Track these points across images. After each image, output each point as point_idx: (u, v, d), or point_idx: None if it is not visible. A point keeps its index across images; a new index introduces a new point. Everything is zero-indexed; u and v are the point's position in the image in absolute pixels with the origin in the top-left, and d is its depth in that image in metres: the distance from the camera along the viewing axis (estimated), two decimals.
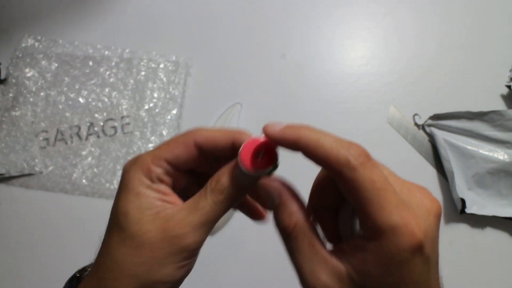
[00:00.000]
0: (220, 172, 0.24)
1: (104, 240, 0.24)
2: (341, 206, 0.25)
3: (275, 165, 0.23)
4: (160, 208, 0.23)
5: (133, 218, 0.23)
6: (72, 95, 0.63)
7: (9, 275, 0.54)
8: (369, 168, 0.19)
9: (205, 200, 0.23)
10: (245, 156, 0.22)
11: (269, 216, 0.37)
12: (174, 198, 0.25)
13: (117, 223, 0.23)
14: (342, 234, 0.26)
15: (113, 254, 0.23)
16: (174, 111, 0.62)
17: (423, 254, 0.19)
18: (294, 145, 0.21)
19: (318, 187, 0.25)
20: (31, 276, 0.54)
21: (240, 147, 0.23)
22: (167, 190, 0.24)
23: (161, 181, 0.24)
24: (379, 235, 0.19)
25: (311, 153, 0.20)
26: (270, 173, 0.23)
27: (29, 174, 0.58)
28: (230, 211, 0.25)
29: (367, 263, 0.19)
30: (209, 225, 0.23)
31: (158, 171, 0.24)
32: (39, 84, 0.64)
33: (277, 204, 0.22)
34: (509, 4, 0.69)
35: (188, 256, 0.23)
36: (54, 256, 0.55)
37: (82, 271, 0.28)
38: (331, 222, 0.26)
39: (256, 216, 0.30)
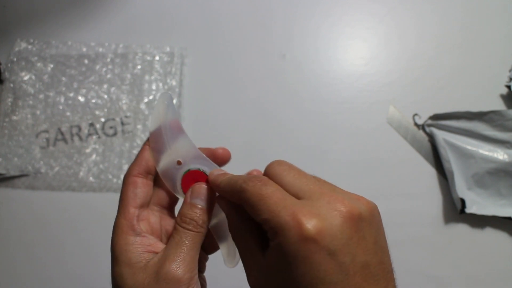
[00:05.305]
0: (180, 210, 0.27)
1: None
2: None
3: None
4: (147, 258, 0.26)
5: (127, 275, 0.25)
6: (71, 95, 0.63)
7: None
8: (257, 186, 0.22)
9: (178, 234, 0.26)
10: (184, 185, 0.28)
11: None
12: (157, 244, 0.27)
13: (116, 285, 0.25)
14: None
15: None
16: (174, 101, 0.63)
17: (321, 248, 0.19)
18: (217, 189, 0.26)
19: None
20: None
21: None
22: (149, 241, 0.27)
23: (141, 221, 0.27)
24: (275, 235, 0.21)
25: (228, 195, 0.25)
26: None
27: (27, 175, 0.58)
28: None
29: (273, 262, 0.21)
30: (192, 253, 0.26)
31: (132, 219, 0.27)
32: (37, 86, 0.63)
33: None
34: (508, 4, 0.69)
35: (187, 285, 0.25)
36: (63, 255, 0.55)
37: None
38: None
39: None
